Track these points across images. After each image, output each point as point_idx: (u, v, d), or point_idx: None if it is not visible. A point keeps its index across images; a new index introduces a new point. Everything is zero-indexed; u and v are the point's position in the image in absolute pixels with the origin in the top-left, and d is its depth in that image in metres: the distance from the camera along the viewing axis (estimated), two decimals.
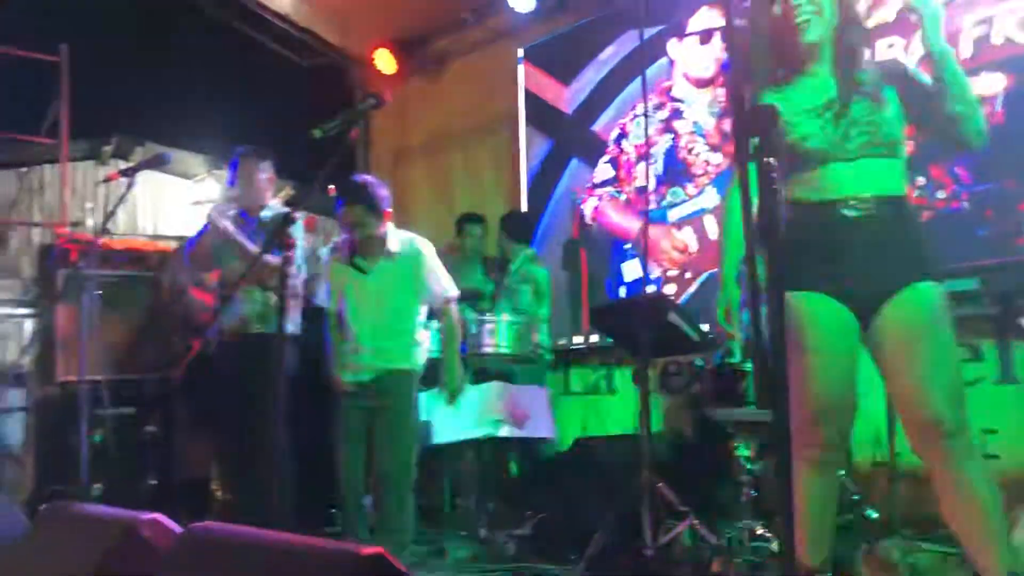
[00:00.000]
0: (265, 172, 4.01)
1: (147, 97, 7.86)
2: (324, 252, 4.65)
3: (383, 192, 3.76)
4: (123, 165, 6.52)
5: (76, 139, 6.86)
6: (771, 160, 1.66)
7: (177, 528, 2.23)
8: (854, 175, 2.32)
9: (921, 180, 4.17)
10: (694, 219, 5.08)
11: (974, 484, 2.21)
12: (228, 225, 3.81)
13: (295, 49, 7.33)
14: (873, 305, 2.32)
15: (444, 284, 3.85)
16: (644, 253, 4.97)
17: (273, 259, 3.29)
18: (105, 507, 3.27)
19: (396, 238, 3.78)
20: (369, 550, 1.66)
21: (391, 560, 1.67)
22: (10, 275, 6.35)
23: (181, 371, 3.44)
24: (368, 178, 3.87)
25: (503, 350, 4.49)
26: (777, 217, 1.69)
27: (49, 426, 5.14)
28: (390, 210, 3.77)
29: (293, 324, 3.93)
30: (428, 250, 3.86)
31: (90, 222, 6.18)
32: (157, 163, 3.83)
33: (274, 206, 4.05)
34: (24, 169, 6.99)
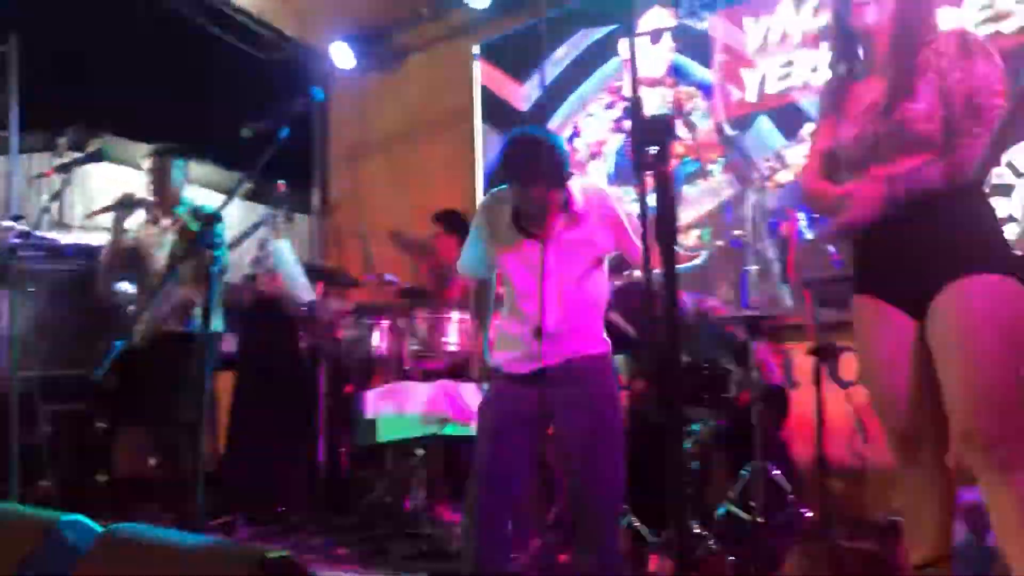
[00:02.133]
0: (180, 170, 3.97)
1: (104, 89, 7.78)
2: (273, 245, 4.65)
3: None
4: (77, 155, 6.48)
5: (31, 131, 6.80)
6: (667, 168, 1.69)
7: (98, 529, 2.23)
8: None
9: None
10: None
11: (1012, 503, 2.04)
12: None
13: (253, 42, 7.28)
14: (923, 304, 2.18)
15: None
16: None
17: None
18: (27, 508, 3.26)
19: None
20: (276, 552, 1.68)
21: (298, 562, 1.68)
22: None
23: (107, 370, 3.41)
24: None
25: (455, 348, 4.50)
26: (675, 223, 1.71)
27: None
28: None
29: (217, 322, 3.92)
30: None
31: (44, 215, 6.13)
32: (94, 158, 3.81)
33: (189, 201, 3.99)
34: None
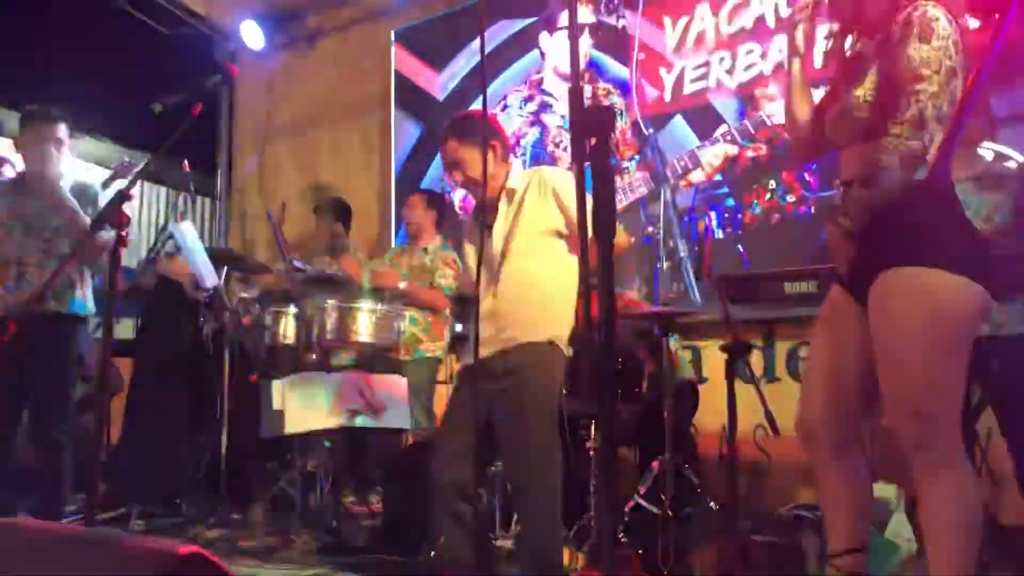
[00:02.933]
0: (58, 135, 3.67)
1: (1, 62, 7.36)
2: (176, 227, 4.46)
3: None
4: None
5: None
6: (607, 160, 1.67)
7: None
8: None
9: (772, 184, 4.33)
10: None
11: (934, 505, 2.03)
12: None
13: (158, 17, 6.98)
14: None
15: None
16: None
17: (106, 236, 3.14)
18: None
19: None
20: (187, 549, 1.60)
21: (209, 558, 1.61)
22: None
23: None
24: None
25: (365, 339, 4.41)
26: (613, 215, 1.69)
27: None
28: None
29: (91, 303, 3.74)
30: None
31: None
32: None
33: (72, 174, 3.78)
34: None
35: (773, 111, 4.42)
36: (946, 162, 2.10)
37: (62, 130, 3.65)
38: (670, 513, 3.56)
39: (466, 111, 3.16)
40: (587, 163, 1.70)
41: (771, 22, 4.50)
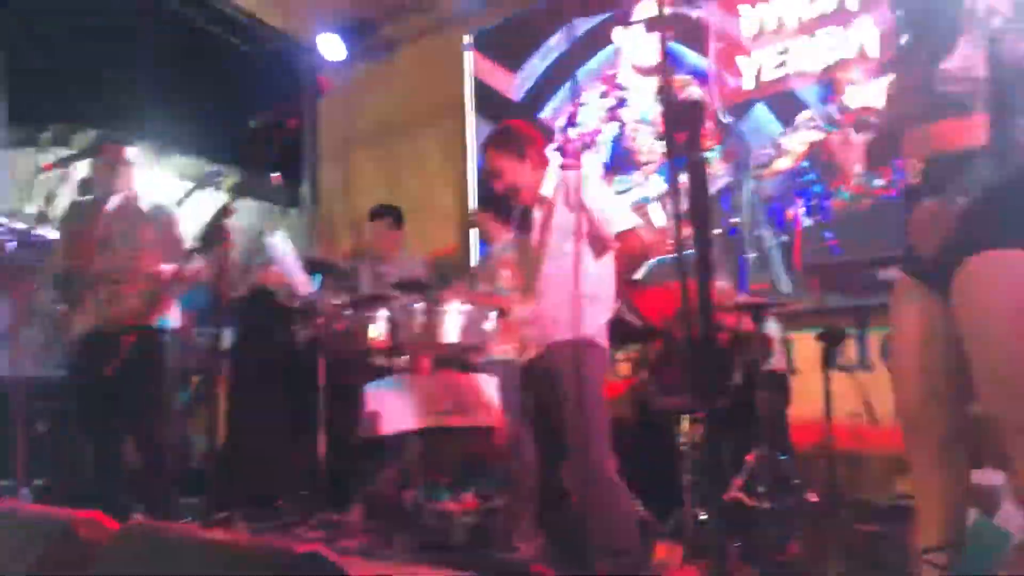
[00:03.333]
0: (128, 157, 3.84)
1: (88, 85, 7.71)
2: (269, 238, 4.61)
3: None
4: (63, 153, 6.39)
5: (12, 127, 6.71)
6: (698, 152, 1.68)
7: (115, 525, 2.22)
8: None
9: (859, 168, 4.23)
10: (640, 207, 5.11)
11: None
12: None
13: (240, 35, 7.21)
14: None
15: None
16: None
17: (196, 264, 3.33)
18: (43, 506, 3.24)
19: None
20: (305, 548, 1.66)
21: (327, 556, 1.67)
22: None
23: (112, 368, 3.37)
24: None
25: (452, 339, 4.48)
26: (707, 207, 1.71)
27: None
28: None
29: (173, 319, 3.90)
30: None
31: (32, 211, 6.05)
32: (91, 153, 3.73)
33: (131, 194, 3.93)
34: None
35: (857, 95, 4.33)
36: None
37: (133, 152, 3.82)
38: (767, 505, 3.53)
39: (505, 122, 3.29)
40: (677, 156, 1.72)
41: (852, 5, 4.41)
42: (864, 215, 4.28)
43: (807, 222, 4.47)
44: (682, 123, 1.70)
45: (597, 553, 2.88)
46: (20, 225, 3.91)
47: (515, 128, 3.19)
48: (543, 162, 3.10)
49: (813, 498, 3.66)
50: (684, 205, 1.69)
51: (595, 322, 2.94)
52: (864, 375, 4.34)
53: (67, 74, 7.41)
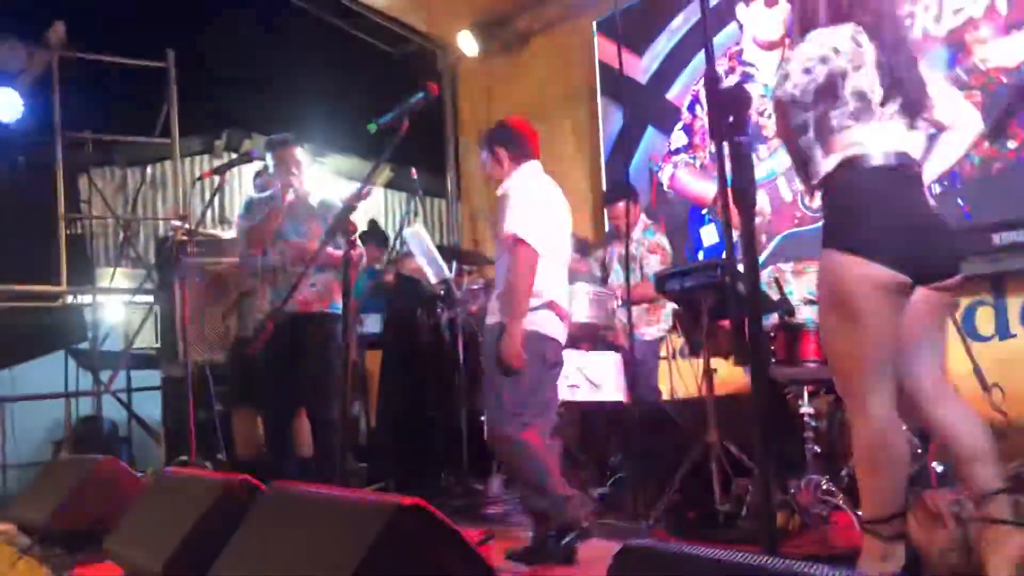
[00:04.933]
0: (297, 157, 4.16)
1: (253, 93, 8.38)
2: (408, 231, 4.95)
3: None
4: (234, 155, 7.02)
5: (190, 136, 7.43)
6: (743, 138, 1.81)
7: (263, 487, 2.62)
8: None
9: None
10: (767, 182, 5.12)
11: None
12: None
13: (386, 39, 7.66)
14: None
15: None
16: (723, 218, 5.03)
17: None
18: (208, 472, 3.71)
19: None
20: (410, 500, 1.93)
21: (430, 509, 1.93)
22: (140, 265, 6.99)
23: (259, 347, 3.75)
24: None
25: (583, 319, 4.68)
26: (752, 189, 1.83)
27: (174, 403, 5.62)
28: None
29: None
30: None
31: (208, 213, 6.69)
32: (245, 160, 4.14)
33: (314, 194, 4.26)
34: (148, 168, 7.63)
35: (987, 55, 4.19)
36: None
37: (300, 152, 4.17)
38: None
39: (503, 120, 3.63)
40: (725, 140, 1.85)
41: None
42: (996, 178, 4.15)
43: (936, 188, 4.36)
44: (727, 108, 1.83)
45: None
46: (190, 226, 4.39)
47: (501, 126, 3.59)
48: (519, 159, 3.47)
49: (939, 468, 3.63)
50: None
51: (520, 310, 3.23)
52: (1004, 344, 4.21)
53: (236, 87, 8.09)
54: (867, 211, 2.28)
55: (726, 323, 4.01)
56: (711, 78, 1.88)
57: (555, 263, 3.41)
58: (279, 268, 4.13)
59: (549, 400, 3.46)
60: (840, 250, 2.28)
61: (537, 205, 3.37)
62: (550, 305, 3.36)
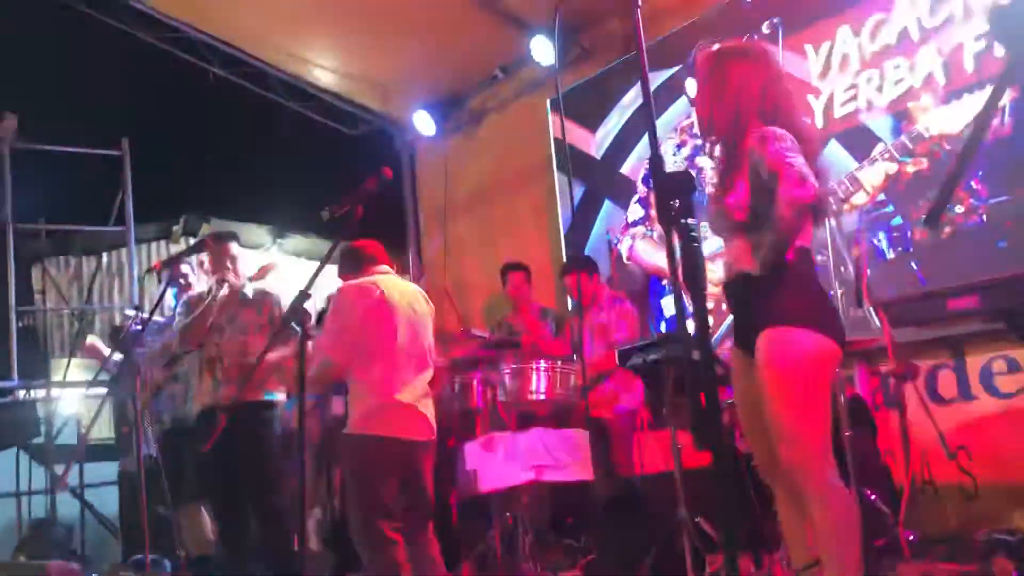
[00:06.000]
0: (232, 252, 4.20)
1: (210, 177, 8.38)
2: None
3: None
4: (192, 241, 6.96)
5: (146, 222, 7.38)
6: (690, 220, 1.81)
7: None
8: None
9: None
10: (716, 255, 5.15)
11: None
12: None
13: (343, 120, 7.71)
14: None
15: None
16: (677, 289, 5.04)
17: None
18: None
19: None
20: None
21: None
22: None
23: (211, 443, 3.67)
24: None
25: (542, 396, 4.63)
26: (701, 270, 1.83)
27: (130, 497, 5.44)
28: None
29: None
30: None
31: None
32: (196, 250, 4.12)
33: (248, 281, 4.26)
34: (104, 255, 7.54)
35: (930, 123, 4.29)
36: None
37: (235, 247, 4.21)
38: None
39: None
40: (672, 224, 1.85)
41: (915, 35, 4.39)
42: (947, 243, 4.21)
43: (890, 254, 4.42)
44: (672, 193, 1.83)
45: None
46: (145, 315, 4.31)
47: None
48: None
49: (911, 537, 3.59)
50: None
51: None
52: (965, 406, 4.22)
53: (191, 173, 8.09)
54: (821, 294, 2.53)
55: None
56: (656, 164, 1.88)
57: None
58: (216, 359, 4.11)
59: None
60: (802, 327, 2.42)
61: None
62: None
